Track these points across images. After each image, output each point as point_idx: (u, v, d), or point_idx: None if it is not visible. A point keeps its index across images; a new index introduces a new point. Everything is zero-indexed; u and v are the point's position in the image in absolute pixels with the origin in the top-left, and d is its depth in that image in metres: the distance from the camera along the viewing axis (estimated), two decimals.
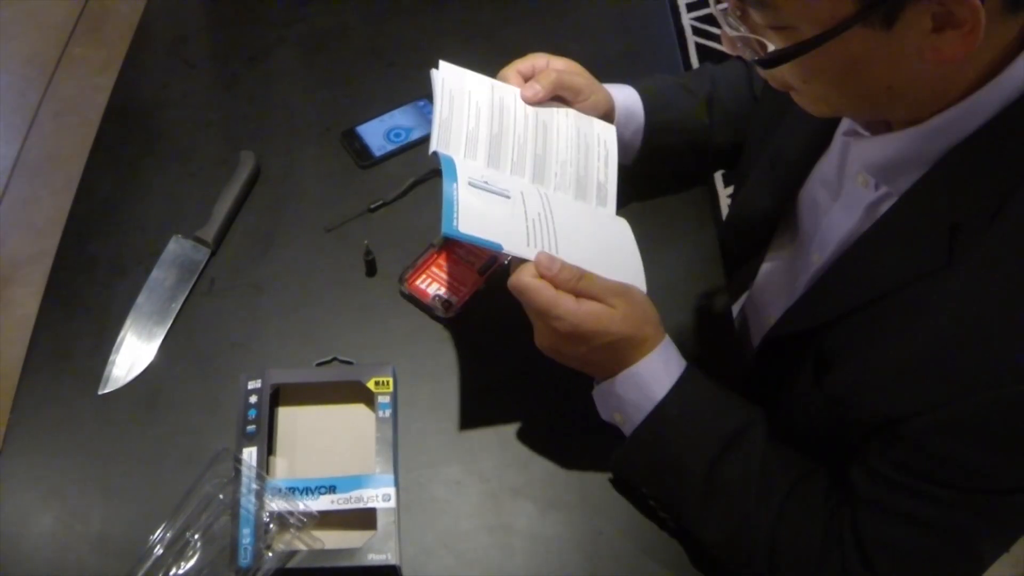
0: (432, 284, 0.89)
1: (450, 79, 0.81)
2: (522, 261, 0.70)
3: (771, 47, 0.58)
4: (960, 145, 0.61)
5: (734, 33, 0.60)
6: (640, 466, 0.75)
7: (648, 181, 0.98)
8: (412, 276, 0.90)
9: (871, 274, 0.67)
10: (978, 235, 0.59)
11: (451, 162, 0.75)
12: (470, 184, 0.74)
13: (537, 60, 0.85)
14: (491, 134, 0.80)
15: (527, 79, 0.84)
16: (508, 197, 0.75)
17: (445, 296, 0.88)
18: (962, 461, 0.61)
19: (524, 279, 0.69)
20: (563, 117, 0.84)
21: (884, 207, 0.68)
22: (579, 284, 0.69)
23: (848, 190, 0.75)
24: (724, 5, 0.61)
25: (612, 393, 0.74)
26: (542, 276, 0.69)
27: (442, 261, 0.91)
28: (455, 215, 0.70)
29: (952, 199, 0.61)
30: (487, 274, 0.89)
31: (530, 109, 0.83)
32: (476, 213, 0.71)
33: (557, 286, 0.69)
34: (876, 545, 0.66)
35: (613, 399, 0.74)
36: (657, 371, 0.72)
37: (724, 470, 0.71)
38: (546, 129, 0.83)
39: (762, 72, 0.64)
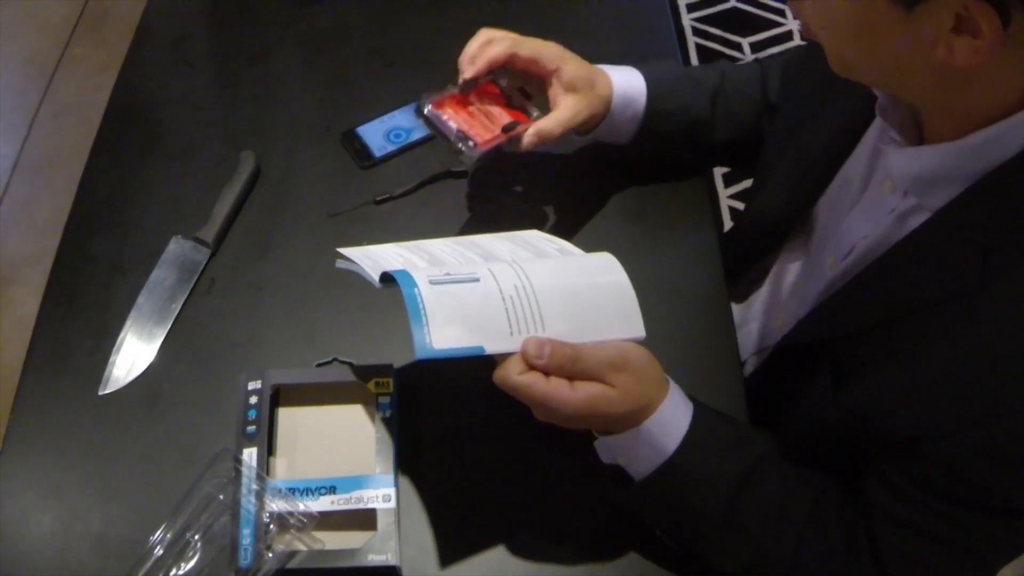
0: (454, 120, 0.85)
1: (355, 252, 0.75)
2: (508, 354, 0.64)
3: None
4: (1001, 167, 0.60)
5: None
6: (649, 509, 0.73)
7: (647, 181, 0.98)
8: (437, 102, 0.86)
9: (899, 289, 0.66)
10: (1012, 259, 0.58)
11: (404, 272, 0.67)
12: (431, 283, 0.65)
13: (548, 60, 0.84)
14: (425, 259, 0.74)
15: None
16: (477, 280, 0.67)
17: (467, 135, 0.84)
18: (987, 483, 0.61)
19: (512, 379, 0.63)
20: (491, 238, 0.80)
21: (914, 220, 0.67)
22: (575, 367, 0.64)
23: (872, 195, 0.74)
24: None
25: (617, 446, 0.70)
26: (532, 366, 0.63)
27: (464, 106, 0.87)
28: (426, 331, 0.62)
29: (989, 221, 0.60)
30: (511, 133, 0.85)
31: (449, 239, 0.78)
32: (449, 319, 0.63)
33: (549, 372, 0.63)
34: (893, 557, 0.66)
35: (618, 450, 0.71)
36: (665, 426, 0.68)
37: (741, 507, 0.69)
38: (474, 243, 0.78)
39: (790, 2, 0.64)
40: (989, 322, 0.59)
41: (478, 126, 0.86)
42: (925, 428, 0.62)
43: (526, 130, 0.83)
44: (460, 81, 0.85)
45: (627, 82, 0.89)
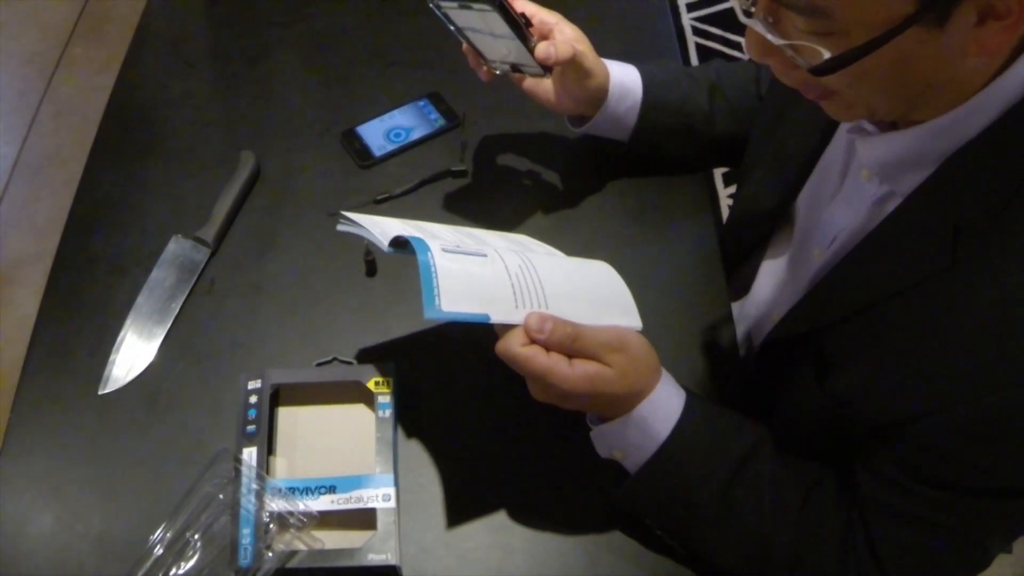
0: None
1: (360, 216, 0.76)
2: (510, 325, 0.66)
3: (825, 54, 0.55)
4: (965, 146, 0.60)
5: (781, 42, 0.57)
6: (646, 502, 0.73)
7: (647, 180, 0.98)
8: None
9: (874, 277, 0.67)
10: (980, 237, 0.59)
11: (418, 238, 0.69)
12: (444, 250, 0.68)
13: (546, 14, 0.83)
14: (427, 236, 0.74)
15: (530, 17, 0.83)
16: (485, 256, 0.70)
17: None
18: (970, 463, 0.61)
19: (513, 350, 0.64)
20: (486, 232, 0.81)
21: (889, 206, 0.68)
22: (574, 345, 0.65)
23: (851, 184, 0.74)
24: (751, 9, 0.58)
25: (612, 434, 0.71)
26: (533, 340, 0.65)
27: None
28: (435, 291, 0.64)
29: (956, 201, 0.61)
30: (527, 27, 0.84)
31: (447, 226, 0.80)
32: (458, 284, 0.65)
33: (549, 348, 0.65)
34: (887, 546, 0.67)
35: (613, 439, 0.72)
36: (657, 411, 0.70)
37: (736, 496, 0.70)
38: (471, 234, 0.79)
39: (798, 81, 0.62)
40: (962, 302, 0.59)
41: None
42: (907, 411, 0.62)
43: (536, 45, 0.81)
44: (543, 54, 0.82)
45: (623, 73, 0.91)
